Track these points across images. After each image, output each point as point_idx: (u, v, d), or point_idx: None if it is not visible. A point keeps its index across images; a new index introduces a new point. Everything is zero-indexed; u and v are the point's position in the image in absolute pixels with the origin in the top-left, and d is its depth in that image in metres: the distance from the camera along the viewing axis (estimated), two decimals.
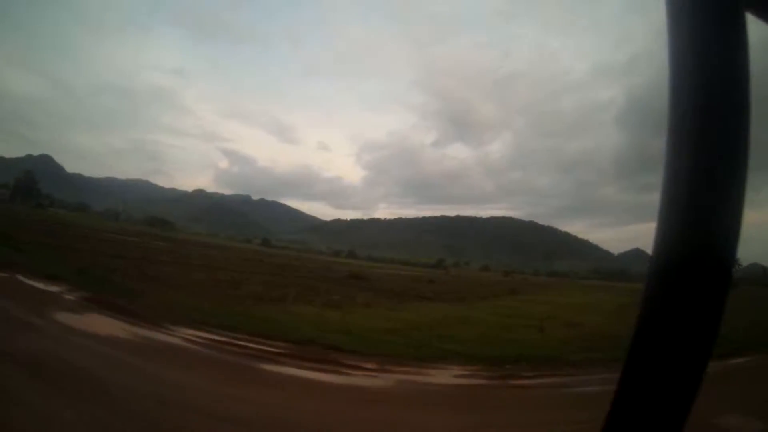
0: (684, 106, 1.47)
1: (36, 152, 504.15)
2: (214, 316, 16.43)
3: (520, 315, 23.39)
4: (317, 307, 21.69)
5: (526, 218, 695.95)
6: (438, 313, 23.41)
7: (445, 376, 11.47)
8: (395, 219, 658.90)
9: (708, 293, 1.34)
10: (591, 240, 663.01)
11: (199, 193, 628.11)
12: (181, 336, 14.10)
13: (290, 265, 60.57)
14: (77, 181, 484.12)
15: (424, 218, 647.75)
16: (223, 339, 14.14)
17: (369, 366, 12.34)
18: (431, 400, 9.76)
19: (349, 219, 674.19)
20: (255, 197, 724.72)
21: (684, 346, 1.34)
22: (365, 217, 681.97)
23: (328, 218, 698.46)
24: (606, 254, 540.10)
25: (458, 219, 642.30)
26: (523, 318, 21.83)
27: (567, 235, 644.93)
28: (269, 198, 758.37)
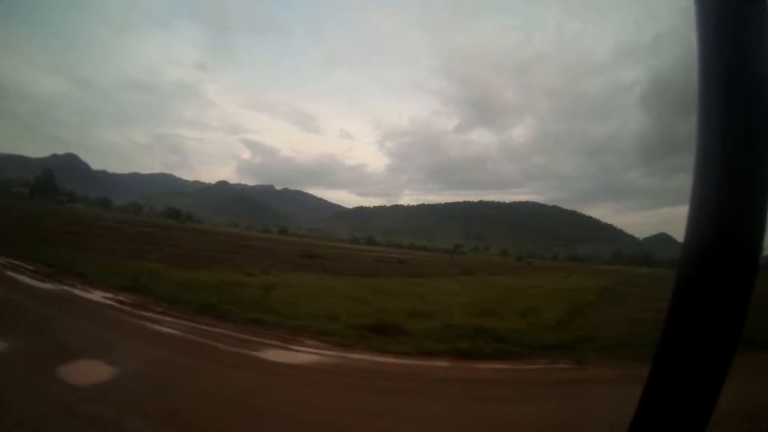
0: (713, 91, 1.41)
1: (61, 151, 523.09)
2: (45, 257, 19.66)
3: (387, 291, 23.34)
4: (169, 267, 23.90)
5: (550, 203, 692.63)
6: (290, 279, 24.57)
7: (99, 296, 13.60)
8: (418, 205, 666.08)
9: (737, 282, 1.33)
10: (615, 224, 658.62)
11: (223, 185, 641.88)
12: None
13: (260, 246, 62.41)
14: (102, 177, 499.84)
15: (447, 204, 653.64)
16: (15, 263, 17.68)
17: (67, 281, 15.24)
18: (48, 299, 12.33)
19: (372, 206, 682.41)
20: (278, 187, 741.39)
21: (713, 333, 1.34)
22: (388, 204, 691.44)
23: (351, 206, 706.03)
24: (630, 239, 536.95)
25: (482, 204, 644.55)
26: (377, 293, 21.99)
27: (591, 219, 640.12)
28: (292, 187, 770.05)
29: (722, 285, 1.32)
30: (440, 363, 9.66)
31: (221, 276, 22.36)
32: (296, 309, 14.19)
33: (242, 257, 38.49)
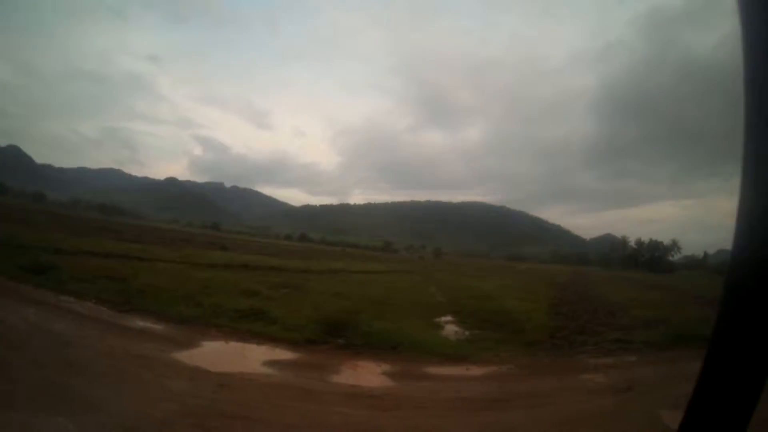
0: (762, 102, 1.39)
1: (4, 143, 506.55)
2: None
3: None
4: None
5: (498, 203, 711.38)
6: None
7: None
8: (366, 204, 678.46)
9: None
10: (564, 225, 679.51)
11: (171, 182, 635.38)
12: None
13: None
14: (47, 171, 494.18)
15: (394, 203, 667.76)
16: None
17: None
18: None
19: (319, 205, 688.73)
20: (228, 185, 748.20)
21: (759, 340, 1.38)
22: (336, 203, 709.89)
23: (299, 204, 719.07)
24: (577, 239, 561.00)
25: (429, 204, 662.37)
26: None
27: (538, 220, 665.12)
28: (242, 185, 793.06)
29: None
30: None
31: None
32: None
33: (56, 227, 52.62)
